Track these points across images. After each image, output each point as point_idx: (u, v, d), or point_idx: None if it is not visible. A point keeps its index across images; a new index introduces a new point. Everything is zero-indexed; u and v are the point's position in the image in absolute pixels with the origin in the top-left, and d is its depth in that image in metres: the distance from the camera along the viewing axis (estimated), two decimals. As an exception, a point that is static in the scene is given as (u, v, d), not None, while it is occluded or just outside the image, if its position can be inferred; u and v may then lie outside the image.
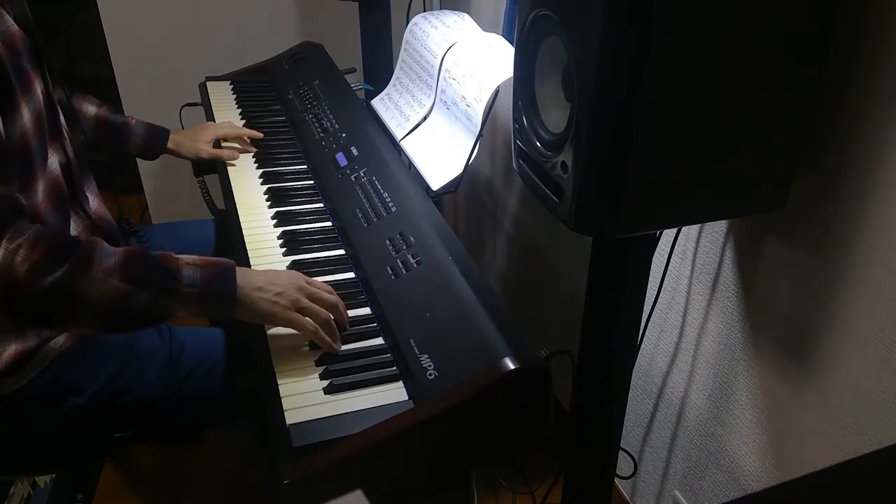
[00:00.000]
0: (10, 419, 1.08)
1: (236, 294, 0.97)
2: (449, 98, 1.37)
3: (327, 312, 1.00)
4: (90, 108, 1.48)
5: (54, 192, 1.07)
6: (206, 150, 1.52)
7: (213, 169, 1.57)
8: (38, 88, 1.06)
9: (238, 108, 1.72)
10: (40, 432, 1.11)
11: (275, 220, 1.30)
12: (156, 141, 1.54)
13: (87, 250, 0.92)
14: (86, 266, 0.90)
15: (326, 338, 0.98)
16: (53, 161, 1.08)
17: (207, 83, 1.84)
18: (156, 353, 1.14)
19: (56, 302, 0.90)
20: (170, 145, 1.54)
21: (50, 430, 1.12)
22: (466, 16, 1.50)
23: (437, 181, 1.30)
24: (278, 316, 0.98)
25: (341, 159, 1.41)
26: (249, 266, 1.18)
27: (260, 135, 1.56)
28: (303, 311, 0.99)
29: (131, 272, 0.93)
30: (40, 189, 1.03)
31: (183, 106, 1.74)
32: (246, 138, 1.56)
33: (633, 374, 1.05)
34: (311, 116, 1.60)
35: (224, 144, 1.54)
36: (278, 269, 1.18)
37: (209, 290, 0.96)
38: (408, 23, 1.56)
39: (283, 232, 1.26)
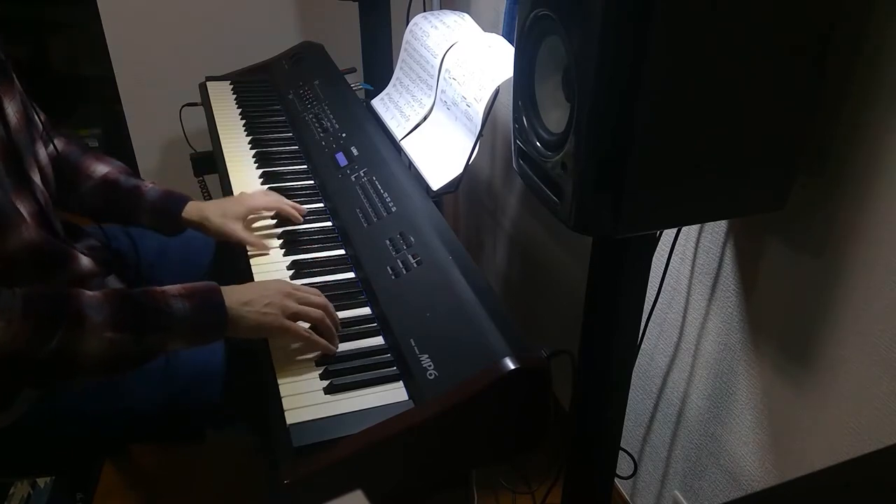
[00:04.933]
0: (9, 441, 1.06)
1: (227, 315, 0.96)
2: (449, 98, 1.37)
3: (320, 312, 1.00)
4: (99, 169, 1.26)
5: (37, 243, 1.00)
6: (237, 231, 1.21)
7: (213, 169, 1.57)
8: None
9: (238, 108, 1.72)
10: (39, 450, 1.11)
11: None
12: (169, 206, 1.24)
13: (76, 308, 0.91)
14: (79, 326, 0.90)
15: (322, 341, 0.99)
16: (23, 212, 1.00)
17: (207, 83, 1.83)
18: (151, 367, 1.09)
19: (56, 366, 0.90)
20: (193, 216, 1.24)
21: (49, 448, 1.11)
22: (466, 16, 1.50)
23: (437, 181, 1.30)
24: (271, 325, 0.98)
25: (341, 159, 1.41)
26: (250, 267, 1.18)
27: (300, 218, 1.28)
28: (295, 315, 0.98)
29: (122, 320, 0.92)
30: (16, 242, 0.97)
31: (183, 106, 1.74)
32: (282, 211, 1.28)
33: (633, 374, 1.05)
34: (311, 116, 1.60)
35: (252, 216, 1.28)
36: (279, 268, 1.18)
37: (201, 319, 0.96)
38: (408, 23, 1.56)
39: (283, 232, 1.26)
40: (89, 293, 0.94)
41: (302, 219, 1.28)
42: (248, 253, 1.21)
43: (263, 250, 1.22)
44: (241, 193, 1.33)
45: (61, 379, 0.93)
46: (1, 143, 0.99)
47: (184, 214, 1.24)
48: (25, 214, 1.00)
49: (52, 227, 1.08)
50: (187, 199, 1.26)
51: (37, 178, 1.07)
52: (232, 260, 1.24)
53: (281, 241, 1.24)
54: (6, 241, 0.96)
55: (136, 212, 1.25)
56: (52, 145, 1.18)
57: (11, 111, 1.04)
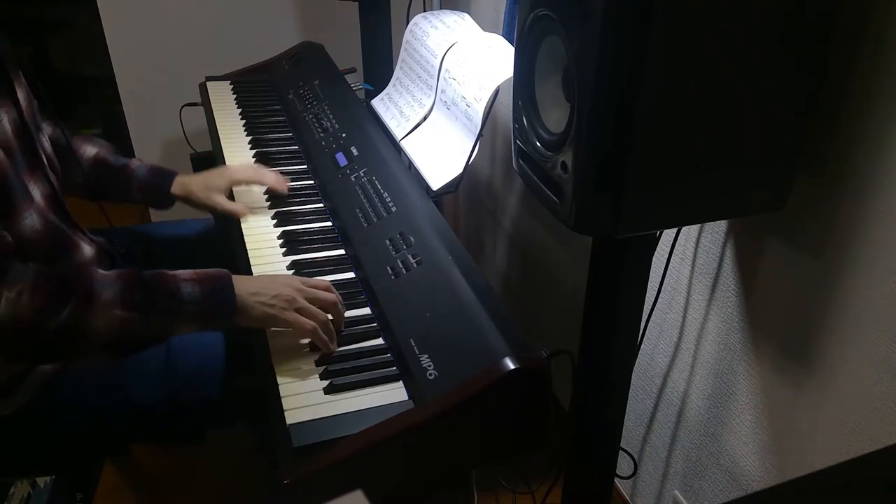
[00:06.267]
0: (10, 433, 1.07)
1: (236, 304, 0.97)
2: (449, 98, 1.37)
3: (325, 314, 1.00)
4: (89, 150, 1.34)
5: (45, 227, 1.03)
6: (221, 202, 1.31)
7: (212, 168, 1.57)
8: (4, 119, 1.00)
9: (238, 108, 1.72)
10: (40, 443, 1.11)
11: (275, 220, 1.30)
12: (158, 183, 1.34)
13: (86, 285, 0.91)
14: (88, 301, 0.90)
15: (324, 337, 0.98)
16: (36, 193, 1.04)
17: (207, 83, 1.83)
18: (152, 362, 1.12)
19: (64, 341, 0.90)
20: (178, 191, 1.34)
21: (50, 442, 1.11)
22: (466, 16, 1.50)
23: (437, 181, 1.30)
24: (277, 318, 0.98)
25: (341, 159, 1.41)
26: (250, 267, 1.18)
27: (284, 189, 1.35)
28: (300, 311, 0.99)
29: (132, 299, 0.93)
30: (27, 223, 0.99)
31: (183, 106, 1.74)
32: (265, 184, 1.36)
33: (633, 374, 1.05)
34: (311, 116, 1.60)
35: (237, 189, 1.38)
36: (279, 268, 1.18)
37: (210, 305, 0.96)
38: (408, 23, 1.56)
39: (283, 232, 1.26)
40: (101, 271, 0.95)
41: (287, 190, 1.35)
42: (249, 255, 1.21)
43: (246, 214, 1.30)
44: (224, 166, 1.42)
45: (68, 355, 0.94)
46: (14, 124, 1.02)
47: (171, 190, 1.34)
48: (39, 196, 1.04)
49: (63, 210, 1.11)
50: (174, 175, 1.35)
51: (45, 162, 1.10)
52: (233, 259, 1.24)
53: (281, 240, 1.24)
54: (16, 220, 0.97)
55: (128, 189, 1.34)
56: (48, 123, 1.21)
57: (21, 97, 1.06)
